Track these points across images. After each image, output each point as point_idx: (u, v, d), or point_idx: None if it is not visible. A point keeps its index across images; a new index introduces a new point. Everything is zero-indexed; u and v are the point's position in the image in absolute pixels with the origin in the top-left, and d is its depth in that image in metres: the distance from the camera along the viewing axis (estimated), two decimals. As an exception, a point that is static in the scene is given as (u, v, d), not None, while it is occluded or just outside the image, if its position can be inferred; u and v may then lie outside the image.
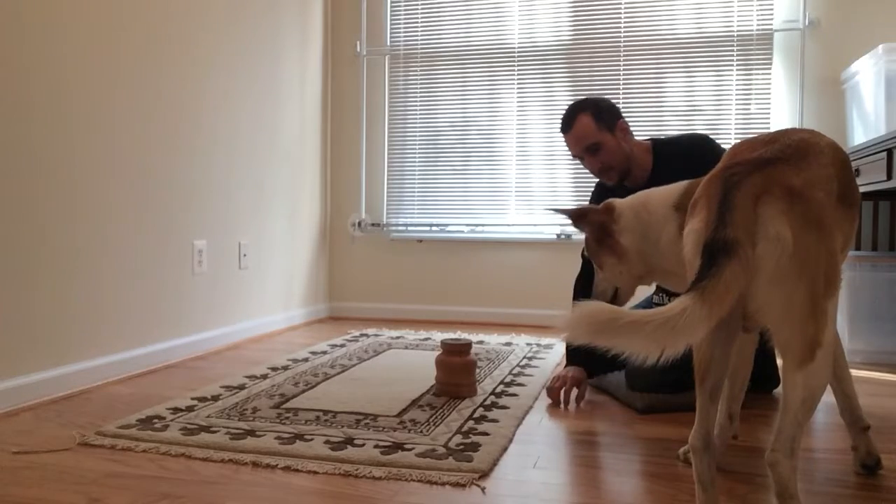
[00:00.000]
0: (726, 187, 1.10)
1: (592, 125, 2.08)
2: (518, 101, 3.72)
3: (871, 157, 2.50)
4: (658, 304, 2.20)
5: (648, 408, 1.95)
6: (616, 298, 1.71)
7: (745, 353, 1.48)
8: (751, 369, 1.51)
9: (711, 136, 2.19)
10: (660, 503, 1.34)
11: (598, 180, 2.28)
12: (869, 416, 1.50)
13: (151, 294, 2.54)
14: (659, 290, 2.29)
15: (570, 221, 1.73)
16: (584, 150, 2.12)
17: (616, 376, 2.13)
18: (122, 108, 2.38)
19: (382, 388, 2.19)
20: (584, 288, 2.19)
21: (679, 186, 1.60)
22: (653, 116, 3.51)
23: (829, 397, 1.50)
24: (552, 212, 1.95)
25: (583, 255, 2.12)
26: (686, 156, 2.03)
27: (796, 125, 3.31)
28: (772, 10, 3.37)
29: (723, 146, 2.09)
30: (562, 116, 2.16)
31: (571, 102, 2.20)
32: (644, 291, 2.11)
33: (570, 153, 2.20)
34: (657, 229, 1.57)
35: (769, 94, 3.38)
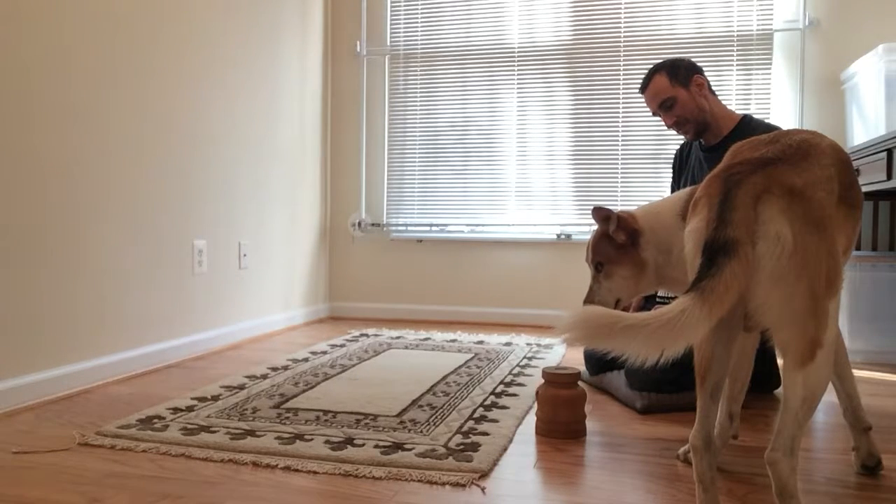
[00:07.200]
0: (727, 186, 1.10)
1: (666, 82, 2.21)
2: (518, 101, 3.71)
3: (871, 157, 2.50)
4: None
5: (648, 407, 1.95)
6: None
7: (746, 353, 1.48)
8: (751, 369, 1.51)
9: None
10: (660, 503, 1.34)
11: (675, 155, 2.43)
12: (868, 416, 1.50)
13: (152, 294, 2.54)
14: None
15: (608, 220, 1.62)
16: (658, 107, 2.24)
17: (616, 376, 2.13)
18: (121, 108, 2.38)
19: (382, 388, 2.19)
20: None
21: (682, 194, 1.61)
22: (653, 116, 3.49)
23: (829, 397, 1.50)
24: (596, 212, 1.67)
25: None
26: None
27: (796, 125, 3.31)
28: (772, 10, 3.37)
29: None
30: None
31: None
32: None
33: (648, 110, 2.34)
34: (669, 240, 1.57)
35: (769, 94, 3.38)
